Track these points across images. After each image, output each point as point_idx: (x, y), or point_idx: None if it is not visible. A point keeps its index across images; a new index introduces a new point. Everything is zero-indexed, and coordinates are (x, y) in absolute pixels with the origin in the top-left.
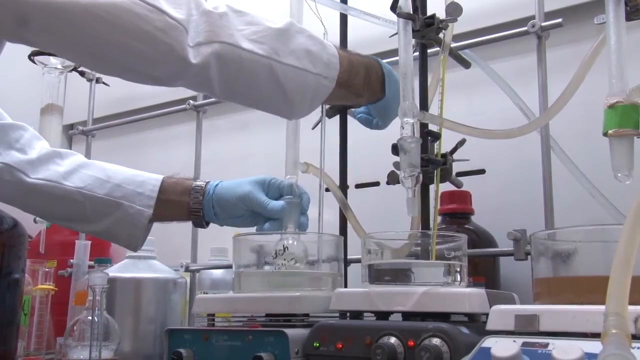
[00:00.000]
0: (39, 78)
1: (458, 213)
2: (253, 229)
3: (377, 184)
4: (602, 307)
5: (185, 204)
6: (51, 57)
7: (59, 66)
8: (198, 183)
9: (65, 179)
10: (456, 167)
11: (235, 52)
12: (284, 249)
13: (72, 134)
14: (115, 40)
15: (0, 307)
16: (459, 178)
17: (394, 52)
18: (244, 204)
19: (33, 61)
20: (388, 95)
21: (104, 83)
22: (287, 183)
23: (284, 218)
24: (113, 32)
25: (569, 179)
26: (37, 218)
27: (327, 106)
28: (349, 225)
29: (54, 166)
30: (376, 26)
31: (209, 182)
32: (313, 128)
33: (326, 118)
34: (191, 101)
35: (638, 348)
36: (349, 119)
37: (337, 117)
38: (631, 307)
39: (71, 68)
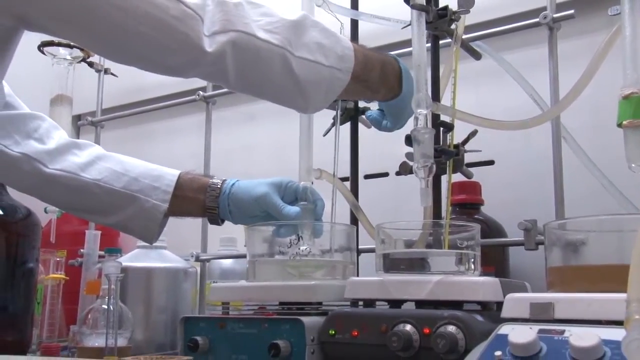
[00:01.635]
0: (48, 69)
1: (468, 203)
2: None
3: (386, 174)
4: (616, 295)
5: (200, 201)
6: (60, 48)
7: (68, 57)
8: (215, 181)
9: (83, 170)
10: (465, 158)
11: (251, 41)
12: (299, 239)
13: (81, 124)
14: (131, 28)
15: (16, 296)
16: (469, 169)
17: (405, 44)
18: (259, 206)
19: (42, 52)
20: (405, 91)
21: (112, 74)
22: (303, 187)
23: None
24: (128, 19)
25: (578, 172)
26: (48, 208)
27: (340, 112)
28: None
29: (72, 157)
30: (388, 16)
31: (225, 180)
32: (324, 135)
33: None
34: (201, 92)
35: None
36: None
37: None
38: None
39: (80, 59)
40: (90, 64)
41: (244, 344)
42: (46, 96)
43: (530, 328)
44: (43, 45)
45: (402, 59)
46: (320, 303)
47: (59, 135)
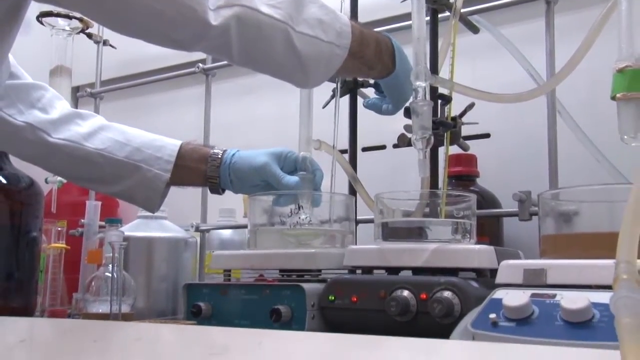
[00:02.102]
0: (47, 40)
1: (464, 175)
2: None
3: (383, 147)
4: (607, 261)
5: (202, 171)
6: (59, 19)
7: (67, 28)
8: (215, 151)
9: (86, 140)
10: (462, 131)
11: (255, 15)
12: (299, 208)
13: (80, 96)
14: (137, 0)
15: (21, 264)
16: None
17: (404, 17)
18: (259, 175)
19: (41, 22)
20: (399, 68)
21: (111, 45)
22: (303, 157)
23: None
24: None
25: (572, 146)
26: (49, 178)
27: (340, 85)
28: None
29: (75, 127)
30: None
31: (226, 150)
32: (324, 107)
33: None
34: (200, 64)
35: None
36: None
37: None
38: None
39: (79, 30)
40: (89, 35)
41: (246, 310)
42: (45, 67)
43: (523, 292)
44: (42, 15)
45: (400, 33)
46: (319, 270)
47: (62, 106)
